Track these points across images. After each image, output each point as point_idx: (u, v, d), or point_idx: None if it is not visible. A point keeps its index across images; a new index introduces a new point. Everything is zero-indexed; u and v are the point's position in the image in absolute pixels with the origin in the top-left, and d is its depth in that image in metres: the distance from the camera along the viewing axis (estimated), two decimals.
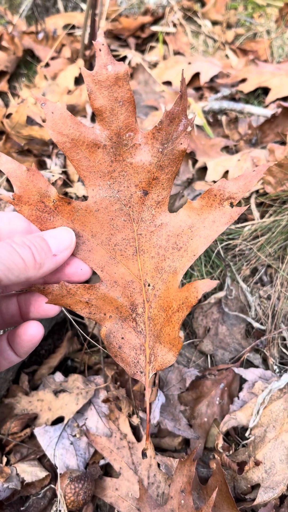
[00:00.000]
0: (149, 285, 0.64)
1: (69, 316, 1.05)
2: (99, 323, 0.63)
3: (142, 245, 0.64)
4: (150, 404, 0.96)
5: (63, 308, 0.92)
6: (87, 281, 0.64)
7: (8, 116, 1.36)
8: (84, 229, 0.62)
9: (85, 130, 0.58)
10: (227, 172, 1.29)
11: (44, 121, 0.58)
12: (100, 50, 0.55)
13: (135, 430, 0.96)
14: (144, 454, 0.67)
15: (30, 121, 1.42)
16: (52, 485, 0.91)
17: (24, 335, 0.59)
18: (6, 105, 1.69)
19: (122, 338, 0.64)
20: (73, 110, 1.57)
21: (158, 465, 0.89)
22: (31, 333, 0.59)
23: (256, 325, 1.10)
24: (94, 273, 0.64)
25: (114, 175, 0.61)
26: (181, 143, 0.59)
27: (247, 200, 1.27)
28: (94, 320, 0.63)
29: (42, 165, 1.35)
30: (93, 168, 0.60)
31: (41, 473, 0.90)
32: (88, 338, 1.00)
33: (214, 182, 1.30)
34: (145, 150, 0.60)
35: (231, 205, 0.60)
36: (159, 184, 0.62)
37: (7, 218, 0.60)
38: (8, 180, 1.24)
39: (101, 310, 0.63)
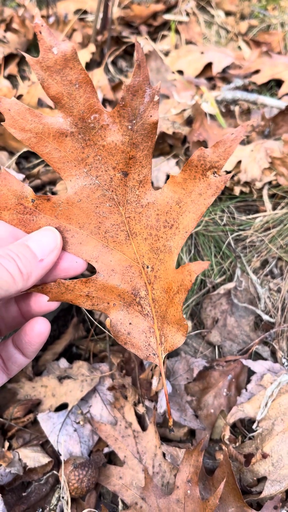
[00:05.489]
0: (147, 267, 0.63)
1: None
2: (104, 312, 0.62)
3: (133, 227, 0.62)
4: (156, 393, 0.94)
5: None
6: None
7: (19, 97, 1.34)
8: (71, 223, 0.59)
9: (48, 120, 0.54)
10: (239, 162, 1.26)
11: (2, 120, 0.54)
12: (40, 32, 0.49)
13: (140, 419, 0.95)
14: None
15: (40, 104, 1.39)
16: (55, 472, 0.89)
17: (31, 332, 0.58)
18: (16, 87, 1.66)
19: (130, 323, 0.62)
20: None
21: (164, 455, 0.87)
22: (38, 329, 0.58)
23: (265, 317, 1.08)
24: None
25: (89, 161, 0.58)
26: (150, 116, 0.55)
27: (259, 191, 1.24)
28: (99, 310, 0.62)
29: None
30: (66, 158, 0.57)
31: (44, 459, 0.88)
32: (96, 323, 0.99)
33: (227, 172, 1.27)
34: (114, 130, 0.56)
35: (215, 174, 0.57)
36: (137, 162, 0.58)
37: None
38: (17, 163, 1.22)
39: (104, 300, 0.61)
